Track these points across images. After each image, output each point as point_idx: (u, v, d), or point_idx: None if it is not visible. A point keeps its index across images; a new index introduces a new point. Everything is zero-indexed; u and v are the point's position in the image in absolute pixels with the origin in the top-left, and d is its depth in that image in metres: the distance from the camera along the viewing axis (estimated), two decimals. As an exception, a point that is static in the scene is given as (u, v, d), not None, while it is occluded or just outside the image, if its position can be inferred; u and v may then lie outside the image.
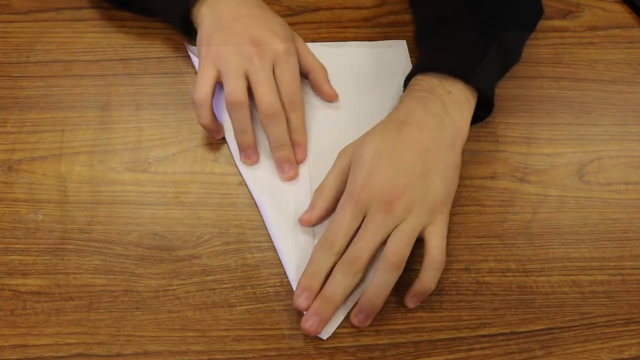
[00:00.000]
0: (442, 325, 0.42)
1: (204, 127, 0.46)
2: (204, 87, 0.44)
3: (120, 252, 0.43)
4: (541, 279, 0.45)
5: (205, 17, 0.47)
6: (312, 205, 0.44)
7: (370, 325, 0.42)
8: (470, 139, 0.48)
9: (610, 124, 0.52)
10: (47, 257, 0.43)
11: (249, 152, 0.46)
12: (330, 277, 0.40)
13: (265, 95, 0.44)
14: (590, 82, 0.54)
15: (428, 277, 0.41)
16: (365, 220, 0.40)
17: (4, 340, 0.40)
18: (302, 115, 0.47)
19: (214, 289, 0.43)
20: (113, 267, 0.43)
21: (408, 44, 0.54)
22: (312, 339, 0.41)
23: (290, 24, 0.54)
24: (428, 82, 0.44)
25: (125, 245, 0.44)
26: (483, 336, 0.42)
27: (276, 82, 0.45)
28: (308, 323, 0.40)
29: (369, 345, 0.41)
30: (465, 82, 0.44)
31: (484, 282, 0.44)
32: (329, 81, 0.50)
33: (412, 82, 0.46)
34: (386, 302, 0.43)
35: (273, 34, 0.46)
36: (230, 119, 0.45)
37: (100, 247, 0.44)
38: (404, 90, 0.46)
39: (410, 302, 0.42)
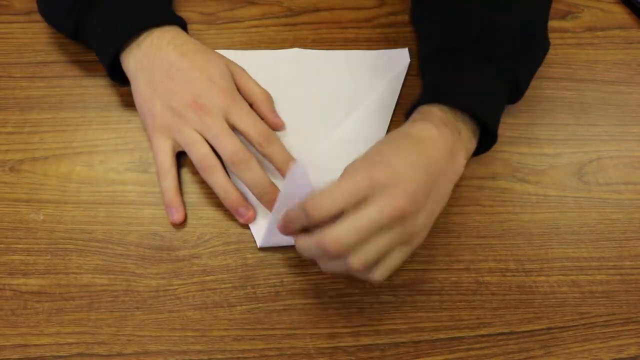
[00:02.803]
0: (441, 325, 0.43)
1: (167, 203, 0.44)
2: (165, 161, 0.44)
3: (121, 252, 0.44)
4: (540, 278, 0.45)
5: (136, 74, 0.45)
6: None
7: (370, 325, 0.42)
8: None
9: (609, 124, 0.52)
10: (48, 257, 0.43)
11: (241, 211, 0.44)
12: (307, 239, 0.37)
13: (226, 146, 0.42)
14: (589, 83, 0.54)
15: (358, 277, 0.38)
16: (367, 205, 0.35)
17: (5, 340, 0.40)
18: (281, 145, 0.45)
19: (214, 288, 0.43)
20: (113, 267, 0.43)
21: (410, 51, 0.54)
22: (312, 338, 0.41)
23: (291, 25, 0.55)
24: (437, 113, 0.42)
25: (126, 245, 0.44)
26: (482, 336, 0.42)
27: (238, 130, 0.44)
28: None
29: (369, 345, 0.42)
30: (474, 119, 0.42)
31: (484, 281, 0.44)
32: (272, 109, 0.48)
33: (419, 110, 0.43)
34: (386, 302, 0.43)
35: (211, 84, 0.44)
36: (209, 185, 0.44)
37: (100, 247, 0.44)
38: (406, 118, 0.44)
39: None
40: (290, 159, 0.45)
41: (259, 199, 0.44)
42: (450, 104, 0.42)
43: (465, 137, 0.42)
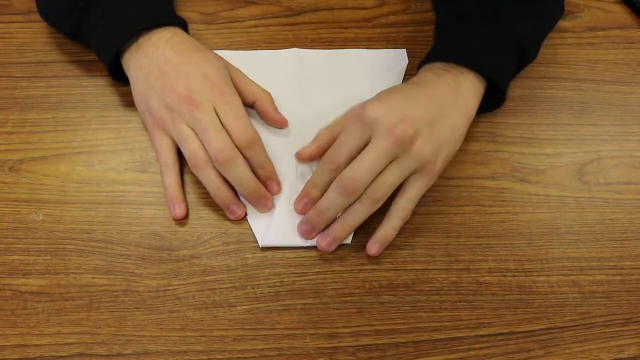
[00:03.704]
0: (441, 325, 0.43)
1: (169, 198, 0.45)
2: (168, 158, 0.44)
3: (121, 252, 0.44)
4: (541, 278, 0.45)
5: (134, 73, 0.45)
6: (314, 140, 0.45)
7: (370, 325, 0.42)
8: (470, 139, 0.49)
9: (609, 124, 0.52)
10: (47, 257, 0.43)
11: (232, 208, 0.44)
12: (326, 192, 0.42)
13: (211, 141, 0.42)
14: (589, 83, 0.54)
15: (391, 225, 0.43)
16: (369, 143, 0.40)
17: (4, 340, 0.40)
18: (260, 149, 0.44)
19: (214, 288, 0.43)
20: (113, 267, 0.43)
21: (408, 51, 0.54)
22: (312, 338, 0.41)
23: (291, 24, 0.55)
24: (437, 65, 0.46)
25: (126, 245, 0.44)
26: (482, 336, 0.42)
27: (223, 125, 0.43)
28: (300, 229, 0.44)
29: (369, 345, 0.41)
30: (475, 71, 0.45)
31: (484, 282, 0.44)
32: (275, 107, 0.48)
33: (423, 67, 0.47)
34: (386, 302, 0.43)
35: (205, 80, 0.43)
36: (201, 181, 0.43)
37: (100, 247, 0.44)
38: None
39: (371, 248, 0.44)
40: (269, 164, 0.45)
41: (245, 197, 0.44)
42: (447, 60, 0.45)
43: (468, 74, 0.45)
